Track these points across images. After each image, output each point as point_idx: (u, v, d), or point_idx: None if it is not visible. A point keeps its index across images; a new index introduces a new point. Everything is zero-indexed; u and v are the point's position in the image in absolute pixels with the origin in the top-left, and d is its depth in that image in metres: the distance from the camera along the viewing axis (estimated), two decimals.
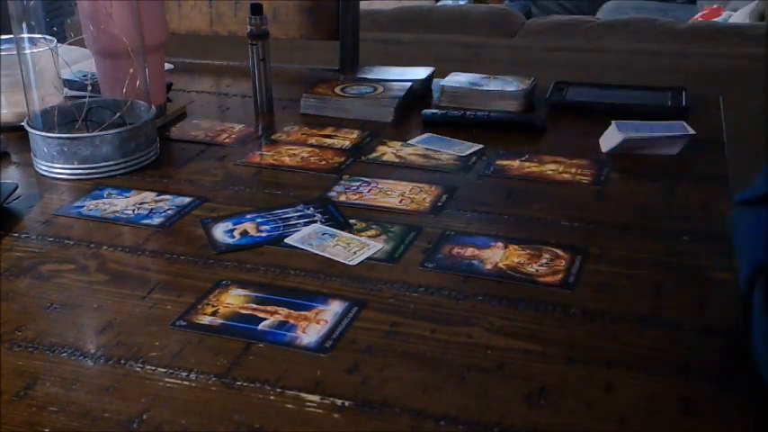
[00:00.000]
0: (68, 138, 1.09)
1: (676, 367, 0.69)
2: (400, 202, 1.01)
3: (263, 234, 0.94)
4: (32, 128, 1.12)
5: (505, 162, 1.12)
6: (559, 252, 0.88)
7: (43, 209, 1.02)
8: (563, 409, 0.65)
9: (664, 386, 0.67)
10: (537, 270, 0.84)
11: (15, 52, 1.14)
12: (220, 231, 0.94)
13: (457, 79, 1.39)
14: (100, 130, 1.10)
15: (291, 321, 0.76)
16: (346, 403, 0.66)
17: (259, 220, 0.97)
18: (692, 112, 1.28)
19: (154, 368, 0.70)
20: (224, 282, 0.84)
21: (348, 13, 1.57)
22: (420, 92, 1.40)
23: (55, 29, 1.22)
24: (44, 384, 0.69)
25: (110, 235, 0.95)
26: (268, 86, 1.34)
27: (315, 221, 0.96)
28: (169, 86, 1.42)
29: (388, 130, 1.26)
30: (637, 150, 1.12)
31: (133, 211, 1.00)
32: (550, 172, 1.09)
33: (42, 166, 1.11)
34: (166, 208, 1.01)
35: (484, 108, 1.31)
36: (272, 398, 0.66)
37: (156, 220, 0.98)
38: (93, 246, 0.92)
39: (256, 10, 1.31)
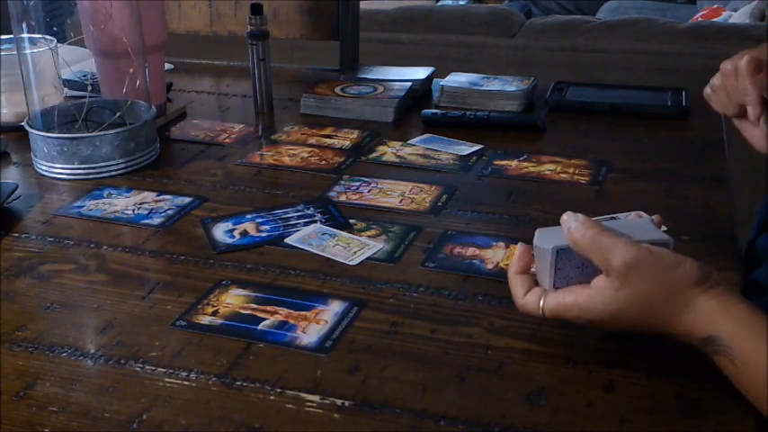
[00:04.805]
0: (68, 138, 1.09)
1: (676, 367, 0.69)
2: (400, 202, 1.01)
3: (263, 234, 0.94)
4: (32, 128, 1.12)
5: (504, 162, 1.12)
6: None
7: (43, 209, 1.02)
8: (563, 409, 0.65)
9: (664, 386, 0.67)
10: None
11: (15, 52, 1.14)
12: (220, 231, 0.94)
13: (457, 79, 1.39)
14: (100, 130, 1.10)
15: (291, 321, 0.76)
16: (346, 403, 0.66)
17: (259, 220, 0.97)
18: (692, 112, 1.28)
19: (154, 368, 0.70)
20: (224, 282, 0.84)
21: (348, 13, 1.57)
22: (420, 92, 1.40)
23: (55, 29, 1.22)
24: (44, 384, 0.69)
25: (110, 235, 0.95)
26: (268, 86, 1.34)
27: (315, 221, 0.96)
28: (169, 86, 1.42)
29: (388, 130, 1.26)
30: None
31: (133, 211, 1.00)
32: (548, 172, 1.09)
33: (42, 166, 1.11)
34: (166, 208, 1.01)
35: (484, 108, 1.31)
36: (272, 398, 0.66)
37: (156, 220, 0.98)
38: (93, 246, 0.92)
39: (256, 10, 1.31)
